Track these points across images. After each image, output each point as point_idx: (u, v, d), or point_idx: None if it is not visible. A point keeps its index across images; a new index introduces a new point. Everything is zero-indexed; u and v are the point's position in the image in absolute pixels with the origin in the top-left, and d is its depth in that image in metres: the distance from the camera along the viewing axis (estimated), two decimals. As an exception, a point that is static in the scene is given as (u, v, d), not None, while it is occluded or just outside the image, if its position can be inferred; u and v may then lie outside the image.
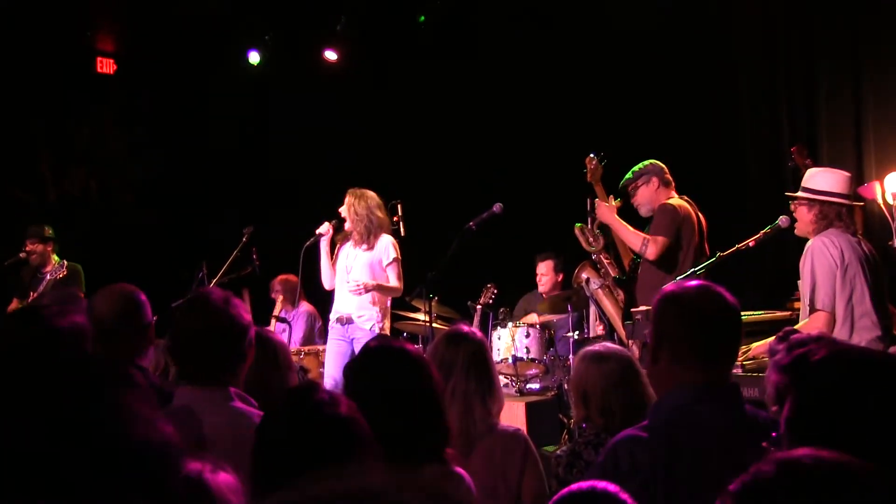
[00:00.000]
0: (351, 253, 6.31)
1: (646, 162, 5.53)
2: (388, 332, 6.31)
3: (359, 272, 6.21)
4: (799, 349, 2.04)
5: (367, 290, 6.12)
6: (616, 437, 2.29)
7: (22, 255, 7.18)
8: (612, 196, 5.69)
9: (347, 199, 6.31)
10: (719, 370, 2.28)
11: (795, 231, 4.48)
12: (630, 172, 5.55)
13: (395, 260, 6.26)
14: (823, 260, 4.16)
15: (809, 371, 1.88)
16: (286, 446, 1.84)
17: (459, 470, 2.38)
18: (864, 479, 1.06)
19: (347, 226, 6.28)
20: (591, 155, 5.70)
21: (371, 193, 6.34)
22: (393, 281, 6.27)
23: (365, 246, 6.25)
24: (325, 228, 6.34)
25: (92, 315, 3.05)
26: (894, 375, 1.82)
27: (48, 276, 6.96)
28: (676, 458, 2.13)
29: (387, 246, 6.26)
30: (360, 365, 2.44)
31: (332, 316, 6.33)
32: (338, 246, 6.39)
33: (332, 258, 6.39)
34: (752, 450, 2.11)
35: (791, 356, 1.99)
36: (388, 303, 6.37)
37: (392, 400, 2.28)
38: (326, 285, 6.45)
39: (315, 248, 6.38)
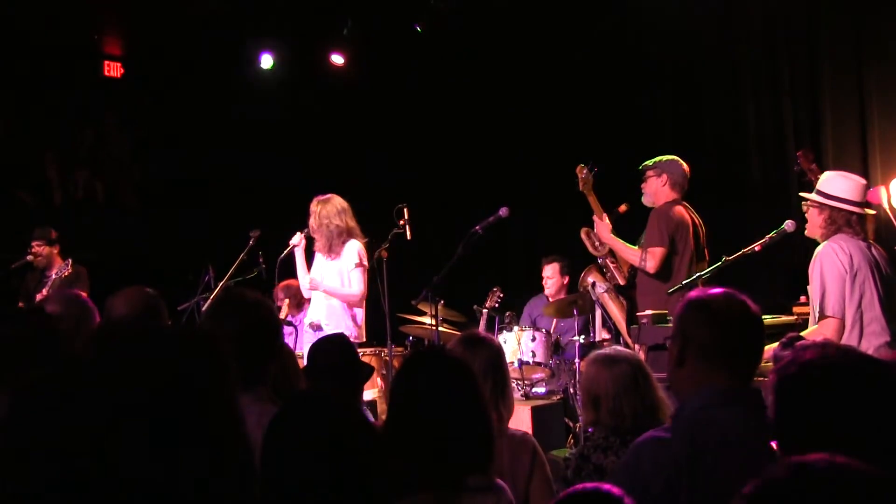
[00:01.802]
0: (322, 262, 6.32)
1: (671, 157, 5.55)
2: (360, 340, 6.24)
3: (328, 281, 6.22)
4: (794, 356, 2.06)
5: (314, 287, 6.11)
6: (640, 438, 2.31)
7: (29, 257, 7.19)
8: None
9: (311, 206, 6.27)
10: (743, 375, 2.32)
11: (805, 232, 4.46)
12: (652, 160, 5.57)
13: (357, 265, 6.18)
14: (833, 266, 4.13)
15: (796, 376, 1.90)
16: (299, 454, 1.80)
17: (499, 482, 2.36)
18: (877, 485, 1.07)
19: (311, 230, 6.26)
20: (581, 164, 5.70)
21: (337, 200, 6.26)
22: (354, 286, 6.19)
23: (333, 255, 6.22)
24: (298, 239, 6.33)
25: (111, 317, 3.05)
26: (876, 381, 1.84)
27: (53, 276, 6.98)
28: (699, 459, 2.15)
29: (352, 252, 6.20)
30: (404, 372, 2.41)
31: (306, 321, 6.34)
32: (315, 253, 6.40)
33: (308, 266, 6.40)
34: (771, 454, 2.13)
35: (783, 363, 2.01)
36: (358, 312, 6.29)
37: (437, 409, 2.25)
38: (305, 294, 6.50)
39: (291, 260, 6.40)
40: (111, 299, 3.20)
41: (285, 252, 6.36)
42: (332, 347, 3.67)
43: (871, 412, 1.79)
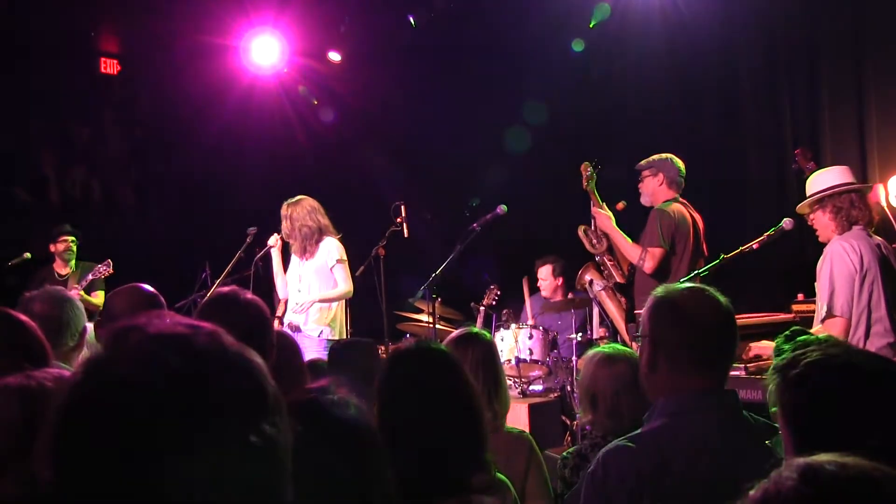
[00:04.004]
0: (297, 264, 6.31)
1: (665, 155, 5.54)
2: (340, 336, 6.23)
3: (308, 281, 6.21)
4: (796, 351, 2.05)
5: (310, 307, 6.11)
6: (607, 447, 2.24)
7: (26, 255, 7.17)
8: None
9: (282, 210, 6.28)
10: (717, 376, 2.23)
11: (820, 239, 4.40)
12: (646, 160, 5.57)
13: (339, 261, 6.17)
14: (843, 265, 4.10)
15: (798, 374, 1.88)
16: (303, 452, 1.77)
17: (501, 477, 2.34)
18: (889, 486, 1.05)
19: (285, 235, 6.26)
20: (586, 162, 5.70)
21: (307, 201, 6.26)
22: (340, 284, 6.17)
23: (307, 255, 6.22)
24: (275, 240, 6.34)
25: (110, 315, 3.03)
26: (880, 378, 1.83)
27: (91, 277, 6.90)
28: (665, 468, 2.08)
29: (329, 249, 6.19)
30: (396, 370, 2.35)
31: (285, 321, 6.34)
32: (291, 255, 6.39)
33: (284, 267, 6.41)
34: (747, 456, 2.10)
35: (786, 359, 1.99)
36: (338, 308, 6.28)
37: (431, 405, 2.20)
38: (281, 295, 6.48)
39: (268, 260, 6.41)
40: (110, 297, 3.18)
41: (262, 252, 6.37)
42: (354, 349, 3.69)
43: (879, 410, 1.77)
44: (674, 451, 2.09)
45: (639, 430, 2.24)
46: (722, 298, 2.28)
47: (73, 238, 7.33)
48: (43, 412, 1.80)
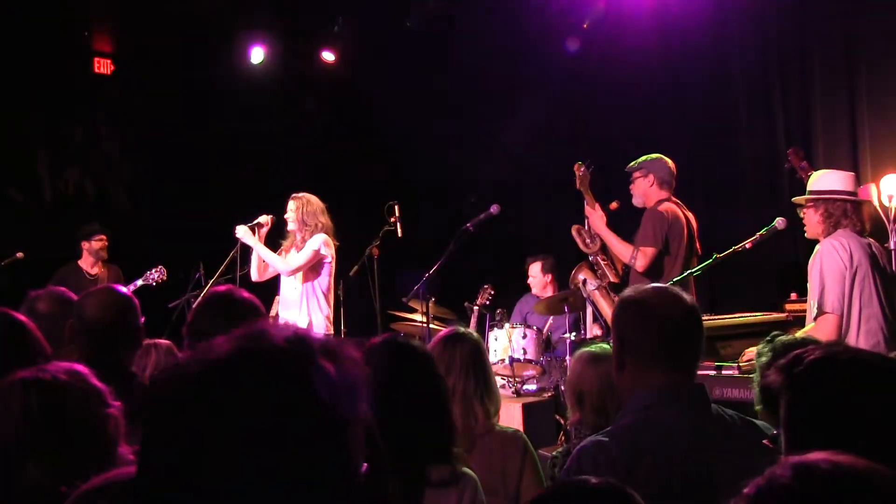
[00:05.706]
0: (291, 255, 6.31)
1: (654, 155, 5.55)
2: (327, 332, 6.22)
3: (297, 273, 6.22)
4: (794, 350, 2.05)
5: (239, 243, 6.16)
6: (582, 443, 2.29)
7: (18, 254, 7.12)
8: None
9: (293, 203, 6.24)
10: (685, 372, 2.29)
11: (806, 234, 4.46)
12: (636, 161, 5.57)
13: (312, 250, 6.10)
14: (833, 263, 4.13)
15: (803, 372, 1.88)
16: None
17: (467, 471, 2.35)
18: (882, 484, 1.06)
19: (293, 219, 6.22)
20: (580, 162, 5.71)
21: (315, 199, 6.26)
22: (290, 258, 6.14)
23: (295, 249, 6.21)
24: (266, 219, 6.28)
25: (82, 317, 3.00)
26: (887, 377, 1.83)
27: (139, 283, 6.76)
28: (638, 461, 2.13)
29: (313, 240, 6.13)
30: (366, 362, 2.39)
31: (278, 311, 6.33)
32: (281, 249, 6.34)
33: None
34: (718, 448, 2.13)
35: (787, 357, 1.99)
36: (325, 305, 6.25)
37: (397, 397, 2.22)
38: (254, 276, 6.35)
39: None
40: (82, 298, 3.13)
41: (252, 223, 6.24)
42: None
43: (884, 406, 1.78)
44: (646, 443, 2.16)
45: (611, 427, 2.30)
46: (686, 296, 2.35)
47: (104, 234, 7.26)
48: (59, 403, 1.88)
